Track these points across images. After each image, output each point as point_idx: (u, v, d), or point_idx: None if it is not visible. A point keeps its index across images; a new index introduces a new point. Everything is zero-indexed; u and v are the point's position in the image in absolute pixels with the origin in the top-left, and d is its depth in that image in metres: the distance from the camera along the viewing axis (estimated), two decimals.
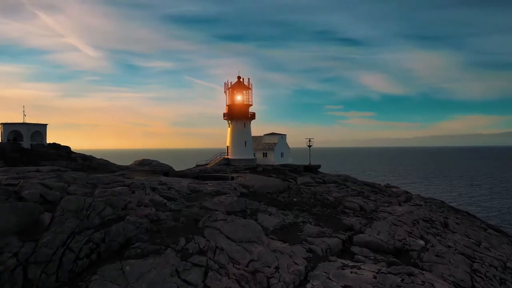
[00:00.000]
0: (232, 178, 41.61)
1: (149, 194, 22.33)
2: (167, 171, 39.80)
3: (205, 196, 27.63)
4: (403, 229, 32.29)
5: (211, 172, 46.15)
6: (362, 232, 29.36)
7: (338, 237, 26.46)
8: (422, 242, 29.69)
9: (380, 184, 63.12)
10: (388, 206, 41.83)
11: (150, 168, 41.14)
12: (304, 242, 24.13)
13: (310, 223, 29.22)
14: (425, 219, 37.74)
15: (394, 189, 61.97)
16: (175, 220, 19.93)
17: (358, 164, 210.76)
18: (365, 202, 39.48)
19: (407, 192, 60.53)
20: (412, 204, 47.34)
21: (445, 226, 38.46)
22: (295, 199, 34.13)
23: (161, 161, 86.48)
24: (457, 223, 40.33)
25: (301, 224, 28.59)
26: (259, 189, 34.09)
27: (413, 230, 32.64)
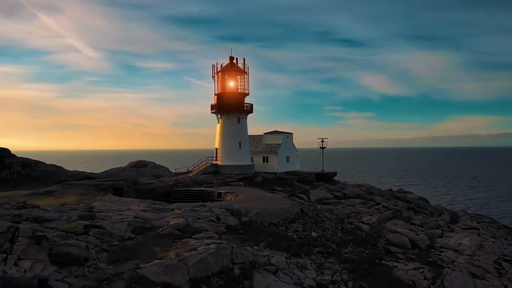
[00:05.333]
0: (219, 195, 29.06)
1: (4, 261, 9.68)
2: (120, 186, 27.08)
3: (157, 243, 15.11)
4: (492, 285, 19.91)
5: (190, 184, 33.46)
6: None
7: None
8: None
9: (410, 195, 50.71)
10: (442, 234, 29.39)
11: (96, 182, 28.48)
12: None
13: (345, 284, 16.80)
14: (506, 257, 25.35)
15: (409, 195, 50.54)
16: None
17: (359, 165, 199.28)
18: (412, 231, 27.00)
19: (423, 200, 48.36)
20: (465, 226, 35.01)
21: None
22: (314, 234, 21.60)
23: (158, 163, 75.81)
24: None
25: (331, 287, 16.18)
26: (258, 218, 21.58)
27: (506, 286, 20.26)
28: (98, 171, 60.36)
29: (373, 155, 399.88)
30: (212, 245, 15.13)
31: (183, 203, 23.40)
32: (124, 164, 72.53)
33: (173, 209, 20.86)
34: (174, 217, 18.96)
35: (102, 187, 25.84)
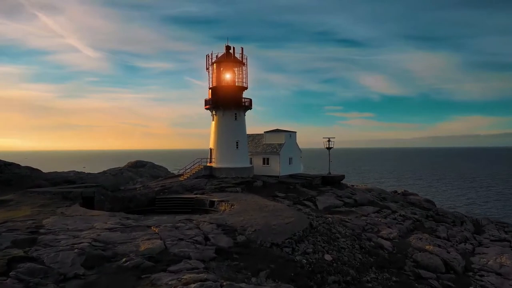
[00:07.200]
0: (212, 204, 24.70)
1: None
2: (91, 194, 22.56)
3: (115, 283, 10.76)
4: None
5: (179, 190, 29.07)
6: None
7: None
8: None
9: (416, 197, 46.38)
10: (473, 250, 25.11)
11: (62, 189, 23.96)
12: None
13: None
14: None
15: (415, 197, 46.52)
16: None
17: (359, 166, 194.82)
18: (442, 247, 22.63)
19: (430, 202, 44.07)
20: (493, 237, 30.83)
21: None
22: (327, 256, 17.23)
23: (157, 163, 72.74)
24: None
25: None
26: (257, 236, 17.22)
27: None
28: (96, 172, 57.03)
29: (373, 155, 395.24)
30: (193, 285, 10.82)
31: (165, 217, 19.00)
32: (123, 164, 69.99)
33: (149, 226, 16.49)
34: (148, 239, 14.62)
35: (69, 196, 21.45)
